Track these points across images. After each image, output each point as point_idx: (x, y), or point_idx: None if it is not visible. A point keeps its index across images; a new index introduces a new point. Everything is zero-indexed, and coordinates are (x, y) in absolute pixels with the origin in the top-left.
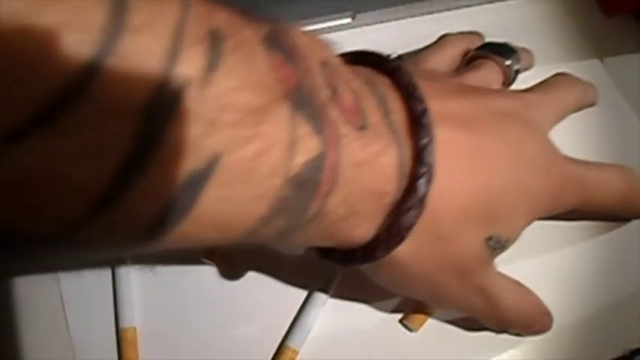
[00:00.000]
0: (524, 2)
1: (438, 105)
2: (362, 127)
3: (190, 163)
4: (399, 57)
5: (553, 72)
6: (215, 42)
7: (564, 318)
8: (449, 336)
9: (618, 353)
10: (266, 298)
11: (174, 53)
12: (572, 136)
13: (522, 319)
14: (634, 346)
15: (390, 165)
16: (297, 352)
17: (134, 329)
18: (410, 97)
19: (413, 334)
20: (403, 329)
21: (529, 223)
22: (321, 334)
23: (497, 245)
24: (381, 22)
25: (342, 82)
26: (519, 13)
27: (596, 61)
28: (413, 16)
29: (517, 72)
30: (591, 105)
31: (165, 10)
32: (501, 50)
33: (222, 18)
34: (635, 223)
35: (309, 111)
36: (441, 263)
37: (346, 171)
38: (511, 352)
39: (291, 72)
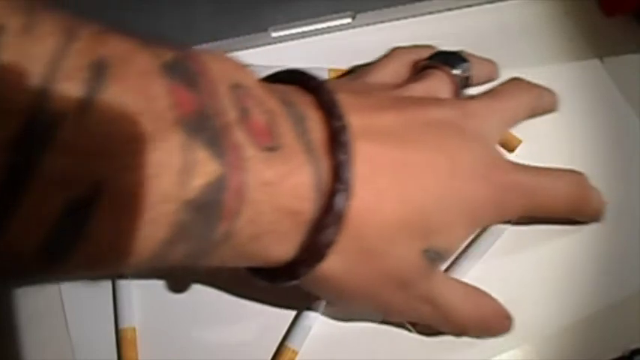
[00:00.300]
0: (524, 2)
1: (364, 120)
2: (272, 148)
3: (69, 192)
4: (351, 70)
5: (554, 72)
6: (97, 72)
7: (564, 318)
8: (449, 336)
9: (618, 353)
10: (266, 298)
11: (47, 87)
12: (571, 137)
13: (477, 323)
14: (634, 346)
15: (305, 184)
16: (297, 353)
17: (134, 329)
18: (329, 114)
19: (413, 334)
20: (403, 329)
21: (472, 232)
22: (321, 334)
23: (436, 257)
24: (381, 22)
25: (254, 104)
26: (519, 13)
27: (596, 61)
28: (413, 16)
29: (467, 80)
30: (550, 111)
31: (39, 45)
32: (450, 59)
33: (111, 48)
34: (635, 223)
35: (208, 135)
36: (377, 277)
37: (253, 192)
38: (511, 352)
39: (190, 97)
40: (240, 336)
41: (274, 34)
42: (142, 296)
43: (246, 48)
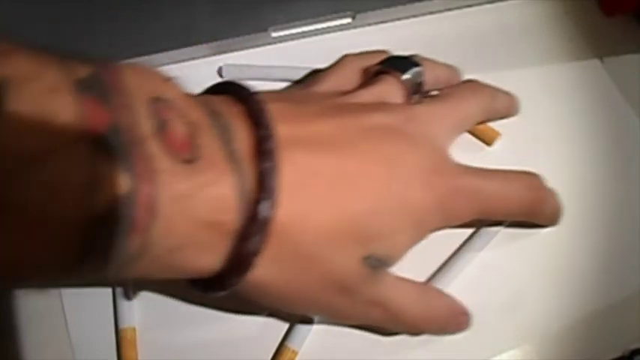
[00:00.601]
0: (524, 2)
1: (298, 129)
2: (191, 160)
3: None
4: (307, 76)
5: (554, 72)
6: None
7: (564, 318)
8: (449, 336)
9: (618, 353)
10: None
11: None
12: (571, 137)
13: (430, 322)
14: (634, 346)
15: (226, 194)
16: (297, 353)
17: (134, 329)
18: (255, 123)
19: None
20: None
21: (418, 237)
22: (321, 334)
23: (378, 263)
24: (382, 22)
25: (175, 116)
26: (519, 13)
27: (596, 61)
28: (413, 16)
29: (420, 85)
30: (508, 114)
31: None
32: (400, 64)
33: (14, 66)
34: (635, 223)
35: (119, 149)
36: (317, 283)
37: (164, 205)
38: (511, 352)
39: (101, 112)
40: (240, 336)
41: (274, 34)
42: (142, 296)
43: (246, 48)
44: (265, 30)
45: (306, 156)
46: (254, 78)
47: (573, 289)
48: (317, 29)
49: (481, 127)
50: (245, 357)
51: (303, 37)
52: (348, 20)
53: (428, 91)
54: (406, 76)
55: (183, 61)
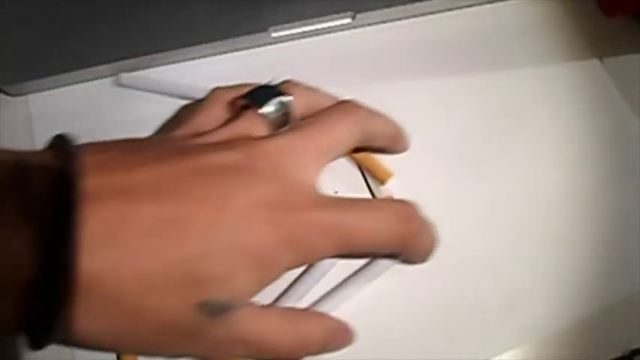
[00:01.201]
0: (524, 2)
1: (117, 179)
2: None
3: None
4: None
5: (553, 72)
6: None
7: (564, 318)
8: (448, 336)
9: (618, 353)
10: (265, 298)
11: None
12: (571, 137)
13: (308, 346)
14: (634, 346)
15: (20, 252)
16: None
17: None
18: (61, 178)
19: (413, 334)
20: (402, 329)
21: (266, 276)
22: None
23: (220, 307)
24: (382, 22)
25: None
26: (519, 14)
27: (595, 61)
28: (413, 16)
29: (286, 115)
30: (391, 141)
31: None
32: (261, 95)
33: None
34: (635, 223)
35: None
36: (153, 334)
37: None
38: (511, 352)
39: None
40: None
41: (274, 34)
42: None
43: (247, 48)
44: (265, 30)
45: (120, 206)
46: (152, 90)
47: (573, 289)
48: (317, 29)
49: (374, 165)
50: None
51: (304, 37)
52: (348, 20)
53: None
54: (266, 109)
55: (183, 61)
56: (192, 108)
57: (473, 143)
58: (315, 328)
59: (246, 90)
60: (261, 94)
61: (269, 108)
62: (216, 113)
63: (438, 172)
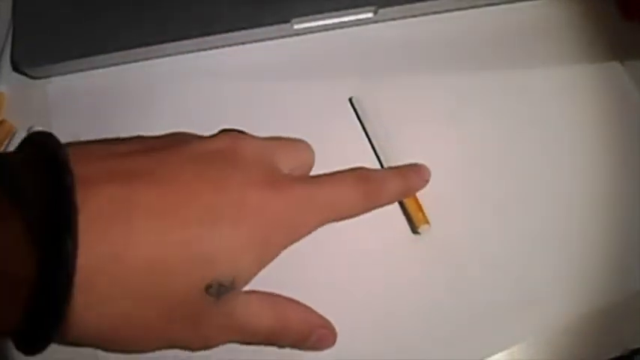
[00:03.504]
0: (545, 3)
1: (111, 165)
2: None
3: None
4: None
5: (574, 74)
6: None
7: (564, 318)
8: (448, 336)
9: (618, 353)
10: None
11: None
12: (590, 139)
13: (286, 334)
14: (634, 346)
15: (15, 246)
16: None
17: None
18: (51, 163)
19: (413, 334)
20: (402, 330)
21: (265, 256)
22: None
23: (222, 290)
24: (403, 17)
25: None
26: (539, 14)
27: (616, 64)
28: (434, 12)
29: None
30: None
31: None
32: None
33: None
34: (635, 223)
35: None
36: (159, 319)
37: None
38: (511, 351)
39: None
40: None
41: (296, 27)
42: None
43: (269, 39)
44: (288, 21)
45: (119, 189)
46: None
47: (573, 288)
48: (339, 22)
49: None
50: (245, 357)
51: (325, 29)
52: (370, 15)
53: None
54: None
55: (204, 50)
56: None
57: (489, 142)
58: (295, 319)
59: None
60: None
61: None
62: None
63: (453, 168)
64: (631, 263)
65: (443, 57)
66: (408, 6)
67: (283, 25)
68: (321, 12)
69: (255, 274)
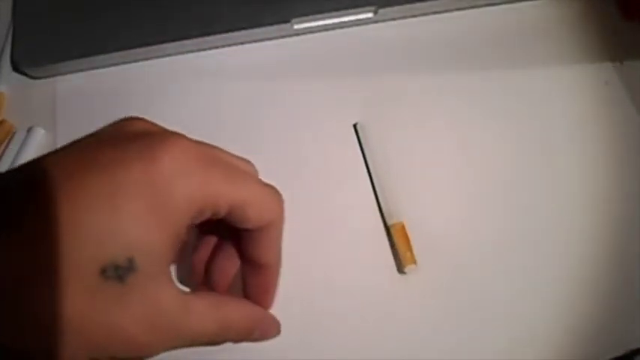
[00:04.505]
0: (545, 3)
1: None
2: None
3: None
4: None
5: (572, 74)
6: None
7: (564, 318)
8: (448, 335)
9: (618, 353)
10: None
11: None
12: (590, 138)
13: (230, 332)
14: (634, 346)
15: None
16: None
17: None
18: None
19: (413, 334)
20: (402, 329)
21: (170, 230)
22: (322, 333)
23: (121, 272)
24: (403, 17)
25: None
26: (539, 14)
27: (615, 64)
28: (435, 12)
29: None
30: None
31: None
32: None
33: None
34: (635, 222)
35: None
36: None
37: None
38: (511, 350)
39: None
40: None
41: (296, 27)
42: None
43: (269, 39)
44: (288, 21)
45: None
46: None
47: (573, 289)
48: (339, 22)
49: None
50: (245, 357)
51: (325, 29)
52: (370, 15)
53: None
54: None
55: (204, 50)
56: None
57: (488, 143)
58: (238, 316)
59: None
60: None
61: None
62: None
63: (452, 172)
64: (631, 263)
65: (443, 57)
66: (408, 6)
67: (283, 25)
68: (321, 12)
69: (160, 244)
